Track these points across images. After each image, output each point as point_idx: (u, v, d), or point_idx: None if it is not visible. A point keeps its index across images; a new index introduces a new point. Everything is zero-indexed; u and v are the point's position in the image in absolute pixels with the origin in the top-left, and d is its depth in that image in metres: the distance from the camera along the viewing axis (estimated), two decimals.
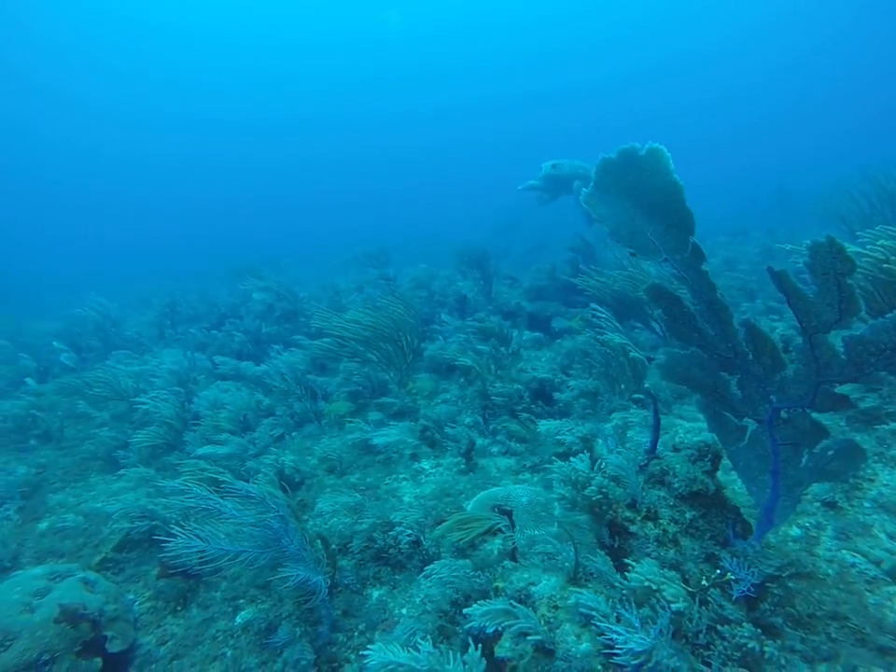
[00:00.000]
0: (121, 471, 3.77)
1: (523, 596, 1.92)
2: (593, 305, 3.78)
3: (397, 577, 2.68)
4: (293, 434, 4.64)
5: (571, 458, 2.52)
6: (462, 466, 3.77)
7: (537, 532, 2.94)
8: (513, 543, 2.68)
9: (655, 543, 1.97)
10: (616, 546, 2.07)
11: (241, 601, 2.60)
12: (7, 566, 2.93)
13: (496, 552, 2.86)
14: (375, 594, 2.60)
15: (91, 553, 3.00)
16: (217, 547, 2.21)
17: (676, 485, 2.09)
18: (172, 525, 3.10)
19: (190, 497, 2.28)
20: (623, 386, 4.56)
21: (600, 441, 3.76)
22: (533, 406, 4.65)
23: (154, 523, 3.12)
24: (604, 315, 3.67)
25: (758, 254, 8.98)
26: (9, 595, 2.32)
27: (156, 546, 3.05)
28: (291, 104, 58.76)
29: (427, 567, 2.44)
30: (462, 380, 5.26)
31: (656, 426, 2.35)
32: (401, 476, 3.70)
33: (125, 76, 52.41)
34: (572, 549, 2.06)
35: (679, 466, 2.16)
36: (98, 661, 2.24)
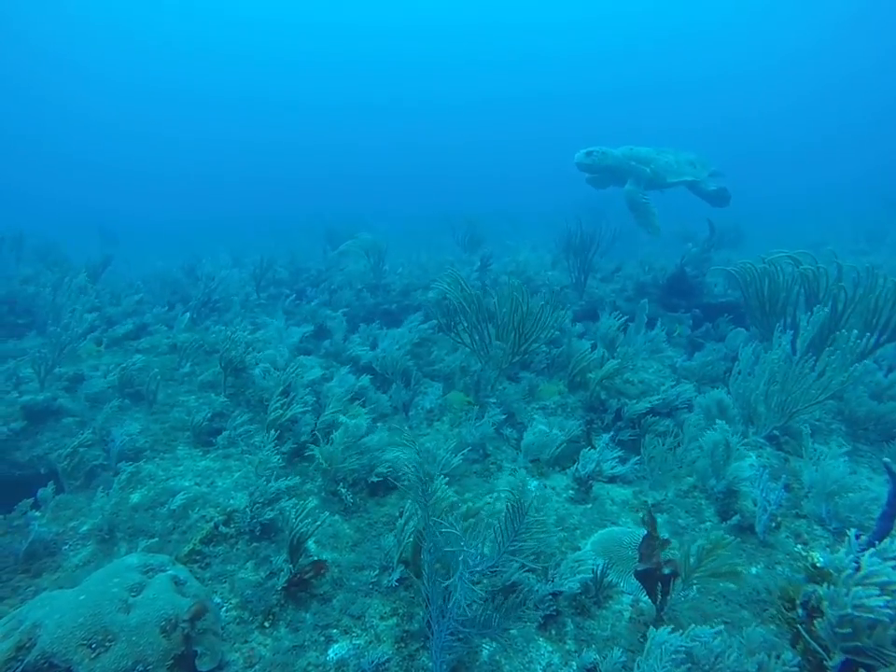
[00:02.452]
0: (210, 448, 3.64)
1: None
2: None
3: (511, 631, 2.29)
4: (378, 424, 4.36)
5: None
6: (573, 492, 3.30)
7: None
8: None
9: None
10: None
11: (333, 630, 2.32)
12: (105, 537, 2.84)
13: (626, 616, 2.40)
14: (486, 649, 2.22)
15: (179, 540, 2.84)
16: None
17: None
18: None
19: None
20: (763, 416, 3.89)
21: (745, 487, 3.15)
22: (644, 426, 4.09)
23: (246, 515, 2.92)
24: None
25: None
26: (109, 587, 2.15)
27: (243, 542, 2.86)
28: (379, 89, 58.68)
29: None
30: (562, 385, 4.74)
31: (891, 511, 1.75)
32: (504, 495, 3.29)
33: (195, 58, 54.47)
34: None
35: None
36: None
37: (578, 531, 2.95)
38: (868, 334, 4.05)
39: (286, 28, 55.24)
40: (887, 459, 1.74)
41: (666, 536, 2.98)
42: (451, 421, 4.19)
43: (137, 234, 18.52)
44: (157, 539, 2.83)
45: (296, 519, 2.66)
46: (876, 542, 1.68)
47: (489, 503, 3.22)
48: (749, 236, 11.68)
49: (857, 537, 1.82)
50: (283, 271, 9.31)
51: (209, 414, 4.14)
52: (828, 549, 2.64)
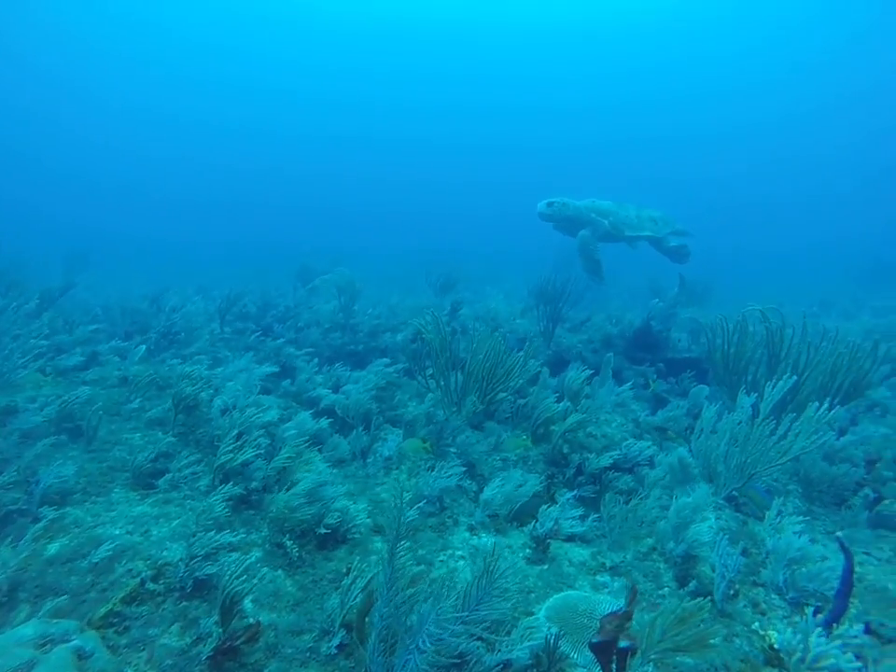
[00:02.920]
0: (150, 492, 3.38)
1: None
2: None
3: None
4: (334, 471, 4.16)
5: None
6: (530, 552, 3.17)
7: None
8: None
9: None
10: None
11: None
12: (3, 599, 2.51)
13: None
14: None
15: (97, 599, 2.55)
16: None
17: None
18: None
19: None
20: (722, 477, 3.87)
21: (703, 551, 3.08)
22: (605, 481, 4.04)
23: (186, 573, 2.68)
24: None
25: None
26: None
27: (172, 601, 2.61)
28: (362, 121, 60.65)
29: None
30: (525, 436, 4.66)
31: (845, 590, 1.70)
32: (458, 553, 3.13)
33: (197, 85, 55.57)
34: None
35: None
36: None
37: (532, 594, 2.80)
38: (837, 406, 4.09)
39: (278, 61, 56.74)
40: (839, 534, 1.71)
41: (624, 602, 2.87)
42: (409, 470, 4.04)
43: (112, 258, 18.07)
44: (67, 597, 2.54)
45: (230, 576, 2.44)
46: (834, 624, 1.62)
47: (442, 560, 3.05)
48: (715, 294, 12.15)
49: (814, 613, 1.76)
50: (252, 305, 9.13)
51: (153, 454, 3.88)
52: (786, 620, 2.57)
